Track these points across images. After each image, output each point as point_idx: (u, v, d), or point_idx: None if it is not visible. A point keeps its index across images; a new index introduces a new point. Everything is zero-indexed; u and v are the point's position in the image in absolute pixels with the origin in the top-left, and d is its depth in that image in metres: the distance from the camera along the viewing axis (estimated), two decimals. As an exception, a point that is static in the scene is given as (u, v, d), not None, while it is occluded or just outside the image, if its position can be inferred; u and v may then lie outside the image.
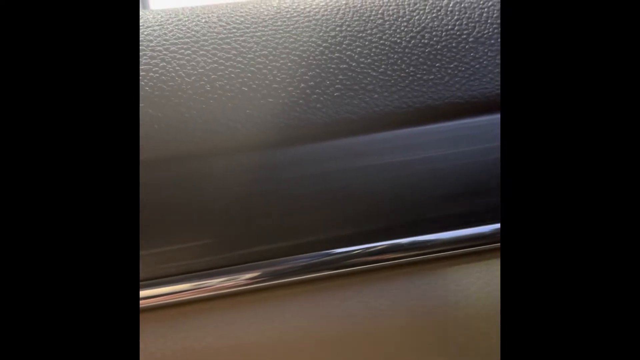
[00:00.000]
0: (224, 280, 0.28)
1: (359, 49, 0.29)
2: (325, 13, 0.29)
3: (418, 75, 0.29)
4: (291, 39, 0.28)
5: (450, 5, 0.30)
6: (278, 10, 0.29)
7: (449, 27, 0.30)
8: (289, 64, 0.28)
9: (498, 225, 0.29)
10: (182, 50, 0.28)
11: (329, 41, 0.29)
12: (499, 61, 0.30)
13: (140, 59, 0.27)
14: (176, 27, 0.28)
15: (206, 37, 0.28)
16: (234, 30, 0.28)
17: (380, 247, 0.29)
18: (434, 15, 0.30)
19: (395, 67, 0.29)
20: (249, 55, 0.28)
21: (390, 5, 0.30)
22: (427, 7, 0.30)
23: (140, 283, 0.27)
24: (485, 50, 0.30)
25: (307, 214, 0.28)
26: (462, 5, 0.30)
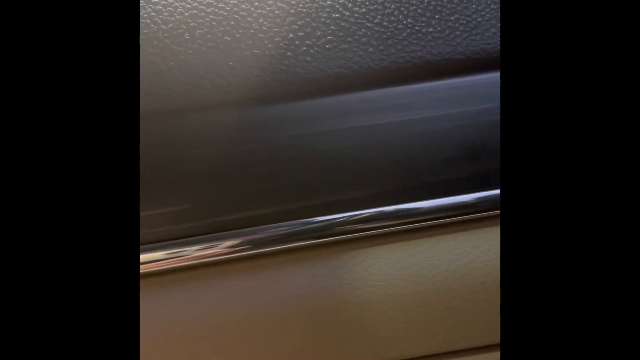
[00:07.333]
0: (201, 249, 0.27)
1: None
2: (317, -44, 0.29)
3: (416, 28, 0.28)
4: (279, -16, 0.28)
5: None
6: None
7: None
8: (277, 12, 0.27)
9: (492, 193, 0.29)
10: None
11: None
12: None
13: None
14: (151, -32, 0.28)
15: None
16: (216, -27, 0.28)
17: (370, 214, 0.28)
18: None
19: (392, 18, 0.28)
20: (232, 1, 0.27)
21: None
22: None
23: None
24: (488, 2, 0.29)
25: (293, 178, 0.27)
26: None
